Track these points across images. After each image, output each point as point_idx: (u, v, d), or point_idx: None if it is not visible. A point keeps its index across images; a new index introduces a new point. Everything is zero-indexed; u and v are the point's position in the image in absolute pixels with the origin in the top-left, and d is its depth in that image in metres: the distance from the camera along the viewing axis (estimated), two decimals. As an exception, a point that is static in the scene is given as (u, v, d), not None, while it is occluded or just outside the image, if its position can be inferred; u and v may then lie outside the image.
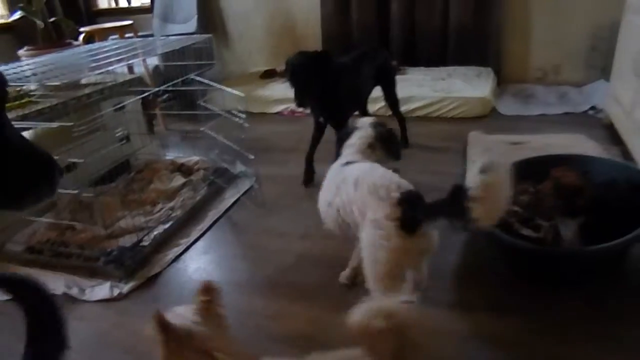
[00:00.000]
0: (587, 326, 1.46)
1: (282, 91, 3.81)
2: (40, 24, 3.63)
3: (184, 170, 2.73)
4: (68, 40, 3.82)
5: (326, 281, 1.77)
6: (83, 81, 2.54)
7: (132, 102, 2.65)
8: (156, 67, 3.75)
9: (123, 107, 2.56)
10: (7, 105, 0.91)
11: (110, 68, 2.17)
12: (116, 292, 1.84)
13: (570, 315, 1.51)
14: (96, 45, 2.89)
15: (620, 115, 2.60)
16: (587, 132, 2.74)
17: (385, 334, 0.90)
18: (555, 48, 3.84)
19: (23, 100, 2.25)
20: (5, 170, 0.80)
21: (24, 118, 2.06)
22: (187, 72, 2.63)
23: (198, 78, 2.62)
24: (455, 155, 2.63)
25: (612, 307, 1.54)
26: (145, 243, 2.08)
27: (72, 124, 1.94)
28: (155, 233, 2.16)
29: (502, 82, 3.90)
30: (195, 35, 2.94)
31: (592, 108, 3.28)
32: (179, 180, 2.61)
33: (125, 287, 1.86)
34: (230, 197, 2.51)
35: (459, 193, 1.15)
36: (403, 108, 3.08)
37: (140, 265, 1.98)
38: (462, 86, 3.55)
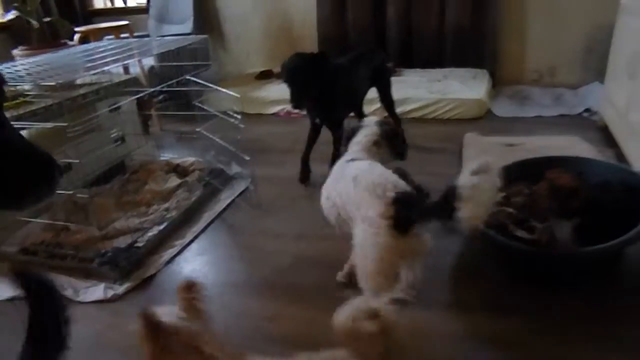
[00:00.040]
0: (586, 326, 1.47)
1: (278, 92, 3.81)
2: (35, 23, 3.62)
3: (180, 171, 2.73)
4: (63, 41, 3.80)
5: (323, 282, 1.77)
6: (78, 81, 2.53)
7: (127, 102, 2.64)
8: (152, 68, 3.74)
9: (118, 107, 2.55)
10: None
11: (105, 68, 2.17)
12: (110, 293, 1.83)
13: (570, 316, 1.51)
14: (91, 45, 2.88)
15: (615, 118, 2.61)
16: (581, 134, 2.75)
17: (370, 335, 0.90)
18: (550, 50, 3.86)
19: (17, 101, 2.24)
20: (5, 170, 0.79)
21: (18, 118, 2.05)
22: (183, 73, 2.63)
23: (194, 79, 2.62)
24: (451, 156, 2.64)
25: (610, 307, 1.55)
26: (140, 244, 2.08)
27: (66, 124, 1.94)
28: (150, 234, 2.15)
29: (497, 84, 3.91)
30: (191, 36, 2.94)
31: (587, 110, 3.30)
32: (174, 181, 2.60)
33: (120, 289, 1.85)
34: (225, 198, 2.51)
35: (451, 194, 1.16)
36: (399, 109, 3.08)
37: (135, 267, 1.97)
38: (458, 88, 3.56)
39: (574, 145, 2.58)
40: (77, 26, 3.90)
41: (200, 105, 2.63)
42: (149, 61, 3.68)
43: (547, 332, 1.46)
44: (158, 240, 2.14)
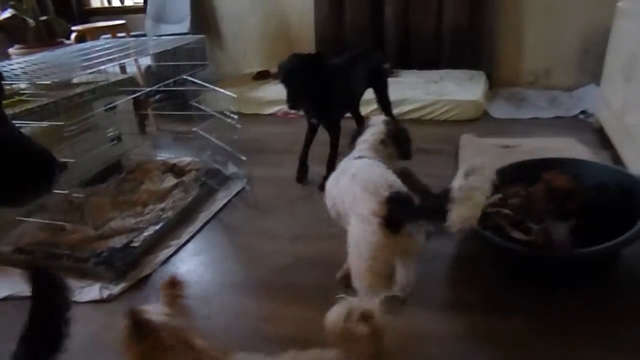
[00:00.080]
0: (585, 326, 1.47)
1: (275, 92, 3.80)
2: (31, 22, 3.60)
3: (176, 171, 2.72)
4: (60, 39, 3.79)
5: (320, 282, 1.77)
6: (74, 80, 2.52)
7: (123, 102, 2.63)
8: (148, 67, 3.73)
9: (115, 107, 2.54)
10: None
11: (102, 67, 2.16)
12: (106, 293, 1.82)
13: (568, 316, 1.52)
14: (88, 44, 2.87)
15: (611, 120, 2.62)
16: (577, 136, 2.77)
17: (361, 336, 0.91)
18: (546, 52, 3.88)
19: (13, 99, 2.23)
20: (5, 166, 0.79)
21: (14, 117, 2.04)
22: (180, 73, 2.62)
23: (191, 79, 2.61)
24: (447, 157, 2.65)
25: (608, 307, 1.55)
26: (135, 244, 2.07)
27: (62, 123, 1.93)
28: (146, 234, 2.15)
29: (494, 86, 3.92)
30: (188, 36, 2.93)
31: (583, 112, 3.31)
32: (170, 181, 2.60)
33: (116, 289, 1.84)
34: (222, 198, 2.50)
35: (443, 197, 1.18)
36: (396, 110, 3.08)
37: (130, 267, 1.96)
38: (455, 89, 3.56)
39: (570, 147, 2.59)
40: (74, 25, 3.89)
41: (197, 105, 2.63)
42: (146, 61, 3.67)
43: (546, 332, 1.46)
44: (154, 240, 2.13)
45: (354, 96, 2.81)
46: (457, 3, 3.85)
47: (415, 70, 4.05)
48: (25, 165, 0.82)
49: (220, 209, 2.41)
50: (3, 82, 0.84)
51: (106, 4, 5.35)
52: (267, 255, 2.01)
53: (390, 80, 3.04)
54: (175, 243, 2.14)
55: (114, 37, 3.68)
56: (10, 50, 3.61)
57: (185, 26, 4.31)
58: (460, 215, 1.15)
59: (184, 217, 2.33)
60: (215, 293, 1.81)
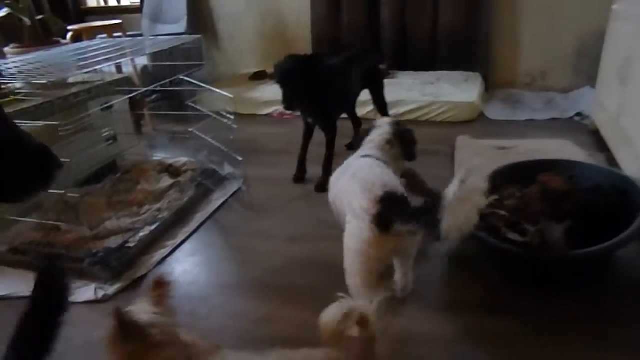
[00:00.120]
0: (582, 327, 1.48)
1: (272, 93, 3.80)
2: (27, 21, 3.59)
3: (172, 171, 2.71)
4: (55, 39, 3.78)
5: (316, 283, 1.77)
6: (70, 80, 2.51)
7: (119, 102, 2.63)
8: (145, 67, 3.72)
9: (110, 106, 2.53)
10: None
11: (98, 67, 2.15)
12: (101, 294, 1.82)
13: (565, 317, 1.52)
14: (84, 44, 2.86)
15: (606, 122, 2.64)
16: (573, 138, 2.78)
17: (354, 337, 0.91)
18: (542, 54, 3.89)
19: (8, 99, 2.22)
20: (3, 162, 0.79)
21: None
22: (176, 73, 2.61)
23: (187, 79, 2.61)
24: (443, 158, 2.65)
25: (603, 309, 1.56)
26: (131, 245, 2.06)
27: (58, 123, 1.92)
28: (141, 234, 2.14)
29: (490, 87, 3.94)
30: (184, 36, 2.92)
31: (579, 114, 3.32)
32: (166, 181, 2.59)
33: (111, 289, 1.84)
34: (218, 199, 2.50)
35: (435, 204, 1.20)
36: (392, 112, 3.09)
37: (126, 267, 1.95)
38: (451, 91, 3.57)
39: (565, 149, 2.60)
40: (70, 25, 3.88)
41: (193, 105, 2.62)
42: (142, 60, 3.67)
43: (541, 333, 1.47)
44: (149, 240, 2.13)
45: (350, 97, 2.81)
46: (453, 5, 3.86)
47: (411, 72, 4.06)
48: (23, 161, 0.82)
49: (216, 210, 2.40)
50: (2, 75, 0.85)
51: (102, 4, 5.34)
52: (263, 256, 2.01)
53: (386, 81, 3.04)
54: (171, 243, 2.13)
55: (110, 36, 3.67)
56: (6, 49, 3.59)
57: (181, 26, 4.31)
58: (454, 223, 1.17)
59: (180, 217, 2.32)
60: (211, 294, 1.81)
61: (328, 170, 2.53)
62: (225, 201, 2.48)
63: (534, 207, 1.68)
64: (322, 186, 2.50)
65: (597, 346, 1.41)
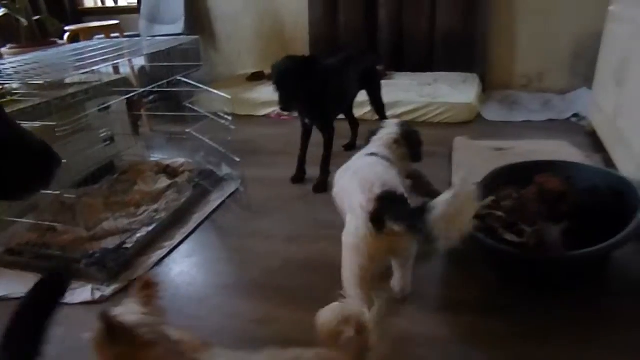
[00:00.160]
0: (578, 328, 1.48)
1: (269, 94, 3.77)
2: (24, 22, 3.58)
3: (169, 172, 2.71)
4: (52, 39, 3.77)
5: (313, 284, 1.76)
6: (67, 81, 2.50)
7: (117, 102, 2.62)
8: (142, 68, 3.71)
9: (108, 107, 2.53)
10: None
11: (95, 68, 2.15)
12: (98, 295, 1.81)
13: (562, 317, 1.53)
14: (81, 44, 2.86)
15: (603, 123, 2.64)
16: (570, 139, 2.79)
17: (349, 339, 0.91)
18: (539, 56, 3.90)
19: (5, 99, 2.21)
20: (2, 159, 0.79)
21: (6, 117, 2.02)
22: (174, 74, 2.61)
23: (184, 79, 2.61)
24: (441, 159, 2.65)
25: (601, 309, 1.56)
26: (128, 245, 2.06)
27: (55, 123, 1.91)
28: (138, 235, 2.14)
29: (487, 89, 3.94)
30: (182, 37, 2.92)
31: (575, 115, 3.33)
32: (163, 182, 2.59)
33: (108, 290, 1.83)
34: (215, 199, 2.49)
35: (424, 209, 1.21)
36: (390, 113, 3.09)
37: (123, 268, 1.95)
38: (448, 92, 3.58)
39: (562, 150, 2.61)
40: (67, 25, 3.87)
41: (190, 106, 2.62)
42: (140, 61, 3.66)
43: (539, 334, 1.47)
44: (147, 241, 2.12)
45: (347, 97, 2.81)
46: (450, 6, 3.87)
47: (408, 73, 4.06)
48: (24, 159, 0.82)
49: (214, 210, 2.40)
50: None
51: (100, 4, 5.33)
52: (260, 256, 2.01)
53: (384, 82, 3.05)
54: (168, 244, 2.13)
55: (108, 37, 3.66)
56: (3, 49, 3.59)
57: (179, 27, 4.30)
58: (446, 232, 1.18)
59: (177, 218, 2.32)
60: (209, 294, 1.81)
61: (326, 171, 2.53)
62: (223, 202, 2.47)
63: (531, 208, 1.68)
64: (320, 187, 2.51)
65: (594, 346, 1.41)
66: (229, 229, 2.26)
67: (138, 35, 4.27)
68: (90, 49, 2.43)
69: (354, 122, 3.04)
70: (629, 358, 1.38)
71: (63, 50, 2.70)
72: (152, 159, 2.94)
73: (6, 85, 2.27)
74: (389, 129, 1.81)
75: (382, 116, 2.94)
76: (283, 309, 1.68)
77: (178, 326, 1.06)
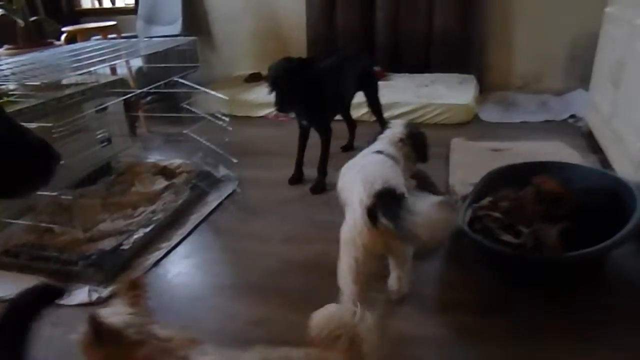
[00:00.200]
0: (576, 328, 1.49)
1: (267, 95, 3.79)
2: (20, 22, 3.57)
3: (167, 173, 2.70)
4: (49, 40, 3.76)
5: (309, 286, 1.76)
6: (64, 82, 2.50)
7: (114, 103, 2.62)
8: (140, 69, 3.71)
9: (105, 108, 2.53)
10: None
11: (92, 69, 2.14)
12: (95, 296, 1.81)
13: (560, 318, 1.53)
14: (78, 45, 2.86)
15: (599, 124, 2.65)
16: (566, 140, 2.79)
17: (342, 343, 0.91)
18: (536, 57, 3.91)
19: (2, 100, 2.20)
20: (2, 156, 0.79)
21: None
22: (171, 75, 2.61)
23: (182, 80, 2.61)
24: (438, 160, 2.65)
25: (599, 309, 1.57)
26: (125, 247, 2.05)
27: (52, 124, 1.91)
28: (135, 237, 2.13)
29: (484, 90, 3.95)
30: (179, 38, 2.93)
31: (572, 116, 3.34)
32: (161, 183, 2.58)
33: (105, 292, 1.82)
34: (213, 200, 2.49)
35: (408, 211, 1.30)
36: (387, 114, 3.09)
37: (120, 270, 1.94)
38: (446, 93, 3.58)
39: (559, 151, 2.62)
40: (64, 26, 3.86)
41: (188, 107, 2.62)
42: (137, 62, 3.66)
43: (537, 334, 1.47)
44: (144, 242, 2.12)
45: (344, 99, 2.81)
46: (447, 7, 3.88)
47: (406, 74, 4.07)
48: (24, 156, 0.82)
49: (211, 212, 2.40)
50: None
51: (97, 5, 5.32)
52: (257, 258, 2.01)
53: (381, 83, 3.05)
54: (165, 246, 2.12)
55: (105, 38, 3.66)
56: (0, 50, 3.58)
57: (176, 28, 4.30)
58: (423, 236, 1.28)
59: (175, 219, 2.32)
60: (206, 295, 1.81)
61: (323, 172, 2.53)
62: (220, 203, 2.47)
63: (529, 209, 1.69)
64: (318, 188, 2.51)
65: (593, 345, 1.42)
66: (226, 230, 2.26)
67: (135, 36, 4.27)
68: (88, 50, 2.43)
69: (351, 124, 3.04)
70: (627, 357, 1.39)
71: (60, 51, 2.70)
72: (149, 160, 2.94)
73: (3, 86, 2.26)
74: (396, 129, 1.85)
75: (380, 117, 2.94)
76: (280, 310, 1.68)
77: (177, 327, 1.06)
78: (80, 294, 1.82)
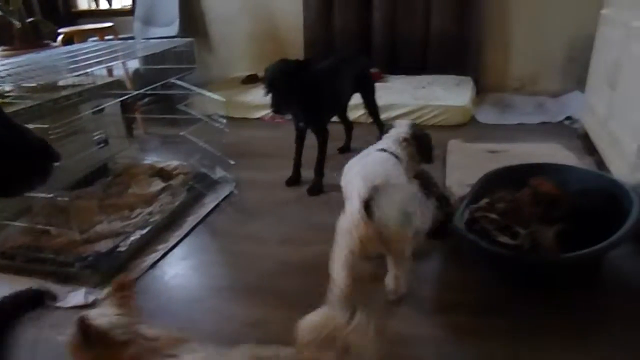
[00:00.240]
0: (574, 328, 1.49)
1: (263, 97, 3.79)
2: (17, 24, 3.56)
3: (163, 175, 2.70)
4: (46, 41, 3.75)
5: (307, 287, 1.76)
6: (61, 83, 2.49)
7: (111, 105, 2.61)
8: (136, 70, 3.70)
9: (102, 110, 2.52)
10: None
11: (89, 70, 2.14)
12: (91, 298, 1.80)
13: (557, 318, 1.53)
14: (75, 46, 2.85)
15: (595, 126, 2.66)
16: (563, 141, 2.80)
17: (333, 348, 0.91)
18: (532, 59, 3.93)
19: (-2, 102, 2.20)
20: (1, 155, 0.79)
21: None
22: (168, 76, 2.61)
23: (179, 82, 2.60)
24: (435, 162, 2.65)
25: (596, 309, 1.57)
26: (122, 249, 2.05)
27: (48, 126, 1.90)
28: (132, 238, 2.12)
29: (481, 92, 3.96)
30: (176, 39, 2.92)
31: (568, 118, 3.36)
32: (157, 185, 2.58)
33: (101, 294, 1.82)
34: (210, 202, 2.49)
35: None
36: (384, 115, 3.10)
37: (116, 271, 1.93)
38: (443, 95, 3.59)
39: (555, 153, 2.63)
40: (61, 27, 3.85)
41: (185, 108, 2.61)
42: (134, 64, 3.65)
43: (535, 335, 1.47)
44: (141, 244, 2.11)
45: (341, 100, 2.82)
46: (444, 9, 3.90)
47: (403, 76, 4.07)
48: (22, 154, 0.82)
49: (208, 213, 2.39)
50: None
51: (94, 6, 5.31)
52: (254, 259, 2.00)
53: (378, 85, 3.05)
54: (162, 247, 2.12)
55: (102, 39, 3.65)
56: (-4, 51, 3.57)
57: (174, 29, 4.29)
58: (382, 214, 1.36)
59: (172, 221, 2.31)
60: (203, 297, 1.80)
61: (320, 174, 2.53)
62: (217, 205, 2.47)
63: (525, 211, 1.69)
64: (315, 189, 2.51)
65: (591, 344, 1.42)
66: (223, 232, 2.26)
67: (132, 38, 4.26)
68: (84, 51, 2.43)
69: (348, 125, 3.04)
70: (625, 356, 1.39)
71: (56, 53, 2.70)
72: (146, 162, 2.93)
73: (-1, 88, 2.26)
74: (400, 128, 1.89)
75: (377, 119, 2.95)
76: (277, 312, 1.68)
77: (177, 328, 1.06)
78: (77, 296, 1.81)
